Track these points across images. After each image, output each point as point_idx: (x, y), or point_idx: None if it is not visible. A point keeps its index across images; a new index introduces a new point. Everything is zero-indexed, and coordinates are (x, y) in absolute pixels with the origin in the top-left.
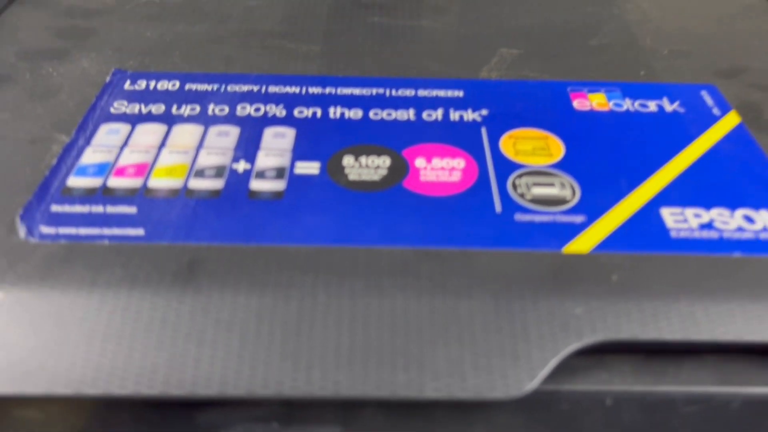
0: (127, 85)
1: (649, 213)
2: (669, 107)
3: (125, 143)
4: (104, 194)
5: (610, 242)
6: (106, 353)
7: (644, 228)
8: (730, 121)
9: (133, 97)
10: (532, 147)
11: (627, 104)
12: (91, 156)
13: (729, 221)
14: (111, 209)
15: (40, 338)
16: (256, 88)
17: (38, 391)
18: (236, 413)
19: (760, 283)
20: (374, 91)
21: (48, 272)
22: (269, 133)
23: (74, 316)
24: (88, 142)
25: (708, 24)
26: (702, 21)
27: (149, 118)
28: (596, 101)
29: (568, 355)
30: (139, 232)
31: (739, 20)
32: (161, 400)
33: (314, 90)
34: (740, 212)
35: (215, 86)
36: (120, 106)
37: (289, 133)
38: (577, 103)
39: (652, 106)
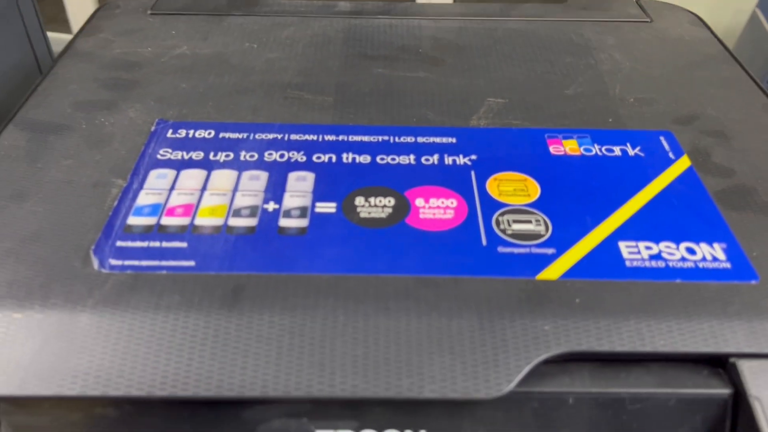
0: (169, 134)
1: (608, 246)
2: (631, 152)
3: (173, 186)
4: (159, 231)
5: (575, 271)
6: (171, 363)
7: (604, 259)
8: (683, 164)
9: (175, 144)
10: (513, 188)
11: (595, 149)
12: (145, 198)
13: (675, 252)
14: (166, 244)
15: (117, 351)
16: (279, 136)
17: (119, 393)
18: (273, 410)
19: (693, 304)
20: (380, 138)
21: (119, 298)
22: (293, 176)
23: (143, 333)
24: (141, 186)
25: (672, 72)
26: (666, 69)
27: (191, 164)
28: (569, 147)
29: (538, 363)
30: (191, 263)
31: (700, 69)
32: (215, 400)
33: (329, 137)
34: (684, 245)
35: (245, 135)
36: (165, 153)
37: (309, 177)
38: (553, 149)
39: (617, 150)
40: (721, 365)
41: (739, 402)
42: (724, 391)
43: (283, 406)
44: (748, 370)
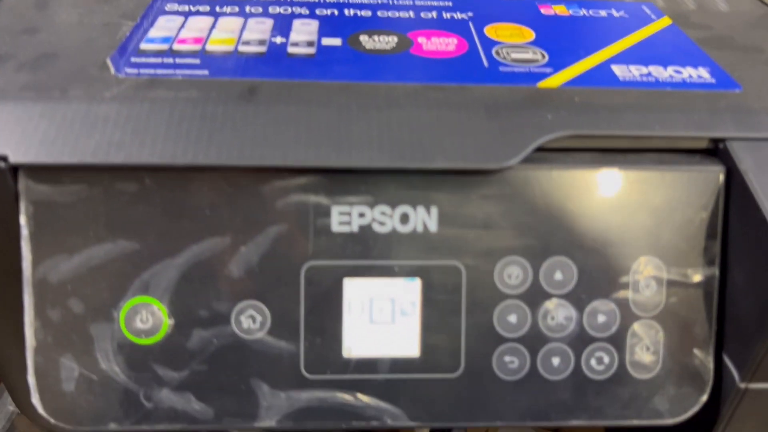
0: None
1: (602, 68)
2: (616, 14)
3: (182, 26)
4: (172, 53)
5: (574, 82)
6: (191, 138)
7: (599, 75)
8: (665, 21)
9: (181, 1)
10: (509, 33)
11: (583, 12)
12: (156, 33)
13: (663, 72)
14: (179, 60)
15: (137, 130)
16: None
17: (140, 161)
18: (294, 180)
19: (684, 100)
20: (379, 0)
21: (137, 93)
22: (297, 22)
23: (162, 117)
24: (151, 25)
25: None
26: None
27: (198, 14)
28: (558, 9)
29: (542, 144)
30: (205, 72)
31: None
32: (241, 167)
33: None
34: (671, 68)
35: None
36: (172, 5)
37: (314, 23)
38: (544, 10)
39: (602, 13)
40: (713, 154)
41: (731, 180)
42: (718, 168)
43: (300, 179)
44: (739, 149)
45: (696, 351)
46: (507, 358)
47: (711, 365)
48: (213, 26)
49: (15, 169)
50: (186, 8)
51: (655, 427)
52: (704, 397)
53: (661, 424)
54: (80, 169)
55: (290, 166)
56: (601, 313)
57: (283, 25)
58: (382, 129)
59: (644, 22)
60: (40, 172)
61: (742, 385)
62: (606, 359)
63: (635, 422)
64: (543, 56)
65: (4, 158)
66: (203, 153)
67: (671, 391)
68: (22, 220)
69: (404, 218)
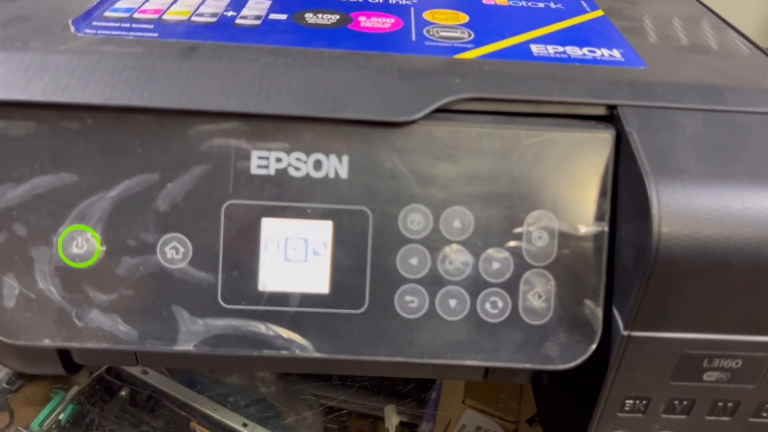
0: None
1: (521, 46)
2: (553, 6)
3: (146, 1)
4: (130, 20)
5: (489, 56)
6: (129, 83)
7: (516, 52)
8: (597, 14)
9: None
10: (445, 17)
11: (522, 3)
12: (121, 4)
13: (577, 51)
14: (135, 26)
15: (83, 76)
16: None
17: (81, 100)
18: (218, 125)
19: (587, 73)
20: None
21: (89, 47)
22: (252, 1)
23: (107, 66)
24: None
25: None
26: None
27: None
28: (500, 1)
29: (447, 103)
30: (155, 35)
31: None
32: (170, 110)
33: None
34: (586, 48)
35: None
36: None
37: (266, 3)
38: (486, 1)
39: (540, 5)
40: (608, 120)
41: (621, 143)
42: (609, 131)
43: (224, 124)
44: (629, 114)
45: (587, 301)
46: (408, 298)
47: (600, 315)
48: (174, 1)
49: None
50: None
51: (562, 380)
52: (593, 346)
53: (552, 369)
54: (30, 106)
55: (213, 110)
56: (496, 260)
57: (238, 3)
58: (301, 83)
59: (577, 13)
60: None
61: (626, 333)
62: (500, 303)
63: (527, 366)
64: (469, 35)
65: None
66: (137, 96)
67: (562, 338)
68: None
69: (318, 165)
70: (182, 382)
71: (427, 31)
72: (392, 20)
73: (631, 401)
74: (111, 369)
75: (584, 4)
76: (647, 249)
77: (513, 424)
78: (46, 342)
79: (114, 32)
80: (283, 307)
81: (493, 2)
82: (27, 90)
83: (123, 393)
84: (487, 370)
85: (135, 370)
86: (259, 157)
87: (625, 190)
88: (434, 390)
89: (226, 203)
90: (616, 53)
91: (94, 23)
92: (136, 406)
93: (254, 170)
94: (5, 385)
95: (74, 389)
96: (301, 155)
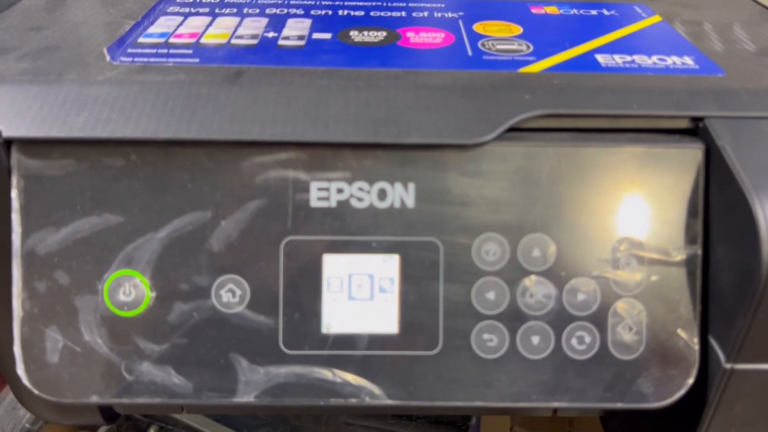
0: None
1: (586, 56)
2: (607, 13)
3: (180, 24)
4: (167, 45)
5: (555, 68)
6: (174, 115)
7: (582, 63)
8: (654, 19)
9: (184, 4)
10: (497, 28)
11: (573, 11)
12: (154, 29)
13: (647, 60)
14: (173, 51)
15: (124, 108)
16: (280, 0)
17: (125, 135)
18: (274, 156)
19: (665, 83)
20: (373, 3)
21: (128, 76)
22: (291, 21)
23: (149, 96)
24: (152, 23)
25: None
26: None
27: (197, 14)
28: (549, 9)
29: (519, 122)
30: (195, 60)
31: None
32: (221, 142)
33: (326, 2)
34: (655, 56)
35: None
36: (174, 8)
37: (306, 21)
38: (534, 10)
39: (593, 12)
40: (693, 133)
41: (711, 158)
42: (697, 146)
43: (279, 154)
44: (718, 127)
45: (680, 332)
46: (485, 336)
47: (696, 346)
48: (210, 24)
49: (8, 144)
50: (187, 10)
51: (646, 414)
52: (690, 380)
53: (647, 408)
54: (69, 143)
55: (267, 140)
56: (581, 291)
57: (277, 23)
58: (359, 107)
59: (634, 19)
60: (32, 146)
61: (728, 366)
62: (587, 339)
63: (619, 405)
64: (528, 47)
65: None
66: (185, 128)
67: (656, 373)
68: (14, 193)
69: (382, 194)
70: (212, 417)
71: (483, 45)
72: (443, 35)
73: None
74: None
75: (638, 10)
76: (755, 273)
77: None
78: (94, 399)
79: (152, 59)
80: (349, 351)
81: (543, 11)
82: (65, 126)
83: (152, 431)
84: None
85: None
86: (319, 189)
87: (719, 209)
88: (474, 416)
89: (285, 240)
90: (689, 60)
91: (129, 50)
92: None
93: (314, 203)
94: (28, 425)
95: (102, 429)
96: (364, 185)
